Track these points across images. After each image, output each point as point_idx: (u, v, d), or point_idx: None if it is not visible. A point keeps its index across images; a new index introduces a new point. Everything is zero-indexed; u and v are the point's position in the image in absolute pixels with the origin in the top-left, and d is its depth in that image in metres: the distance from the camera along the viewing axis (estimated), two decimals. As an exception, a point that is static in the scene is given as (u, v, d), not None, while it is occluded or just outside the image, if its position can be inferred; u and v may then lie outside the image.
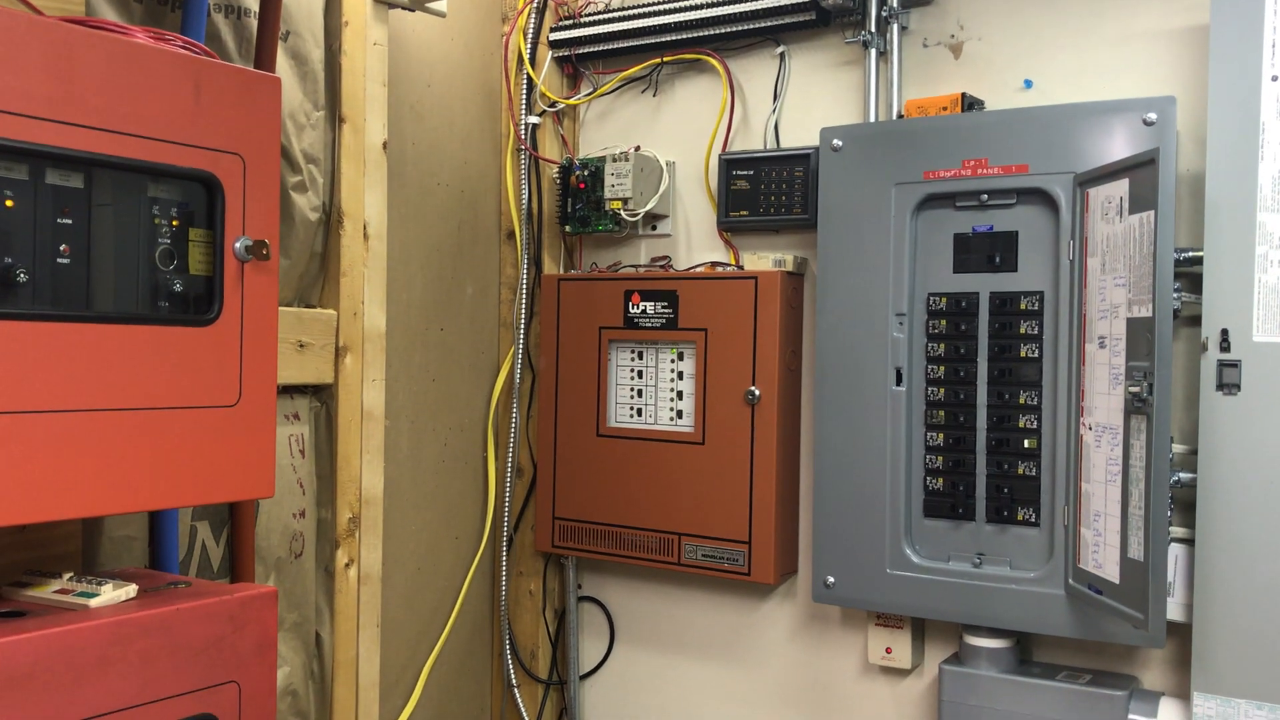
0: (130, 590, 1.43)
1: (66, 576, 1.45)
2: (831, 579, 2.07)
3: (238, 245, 1.47)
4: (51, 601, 1.40)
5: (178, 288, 1.43)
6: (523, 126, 2.47)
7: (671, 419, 2.31)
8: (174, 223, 1.44)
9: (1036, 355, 1.92)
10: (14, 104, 1.25)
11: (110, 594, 1.40)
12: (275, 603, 1.54)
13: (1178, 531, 1.82)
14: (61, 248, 1.32)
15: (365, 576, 2.08)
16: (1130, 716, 1.85)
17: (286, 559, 1.95)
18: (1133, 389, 1.63)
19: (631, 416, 2.35)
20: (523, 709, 2.48)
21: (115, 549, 1.69)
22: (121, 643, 1.35)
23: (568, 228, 2.42)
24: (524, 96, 2.46)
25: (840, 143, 2.06)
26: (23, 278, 1.27)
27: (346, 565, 2.04)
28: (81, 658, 1.30)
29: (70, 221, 1.33)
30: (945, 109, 2.00)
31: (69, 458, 1.30)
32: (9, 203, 1.27)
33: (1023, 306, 1.93)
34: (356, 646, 2.06)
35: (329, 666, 2.03)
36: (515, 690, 2.49)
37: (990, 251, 1.95)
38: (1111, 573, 1.71)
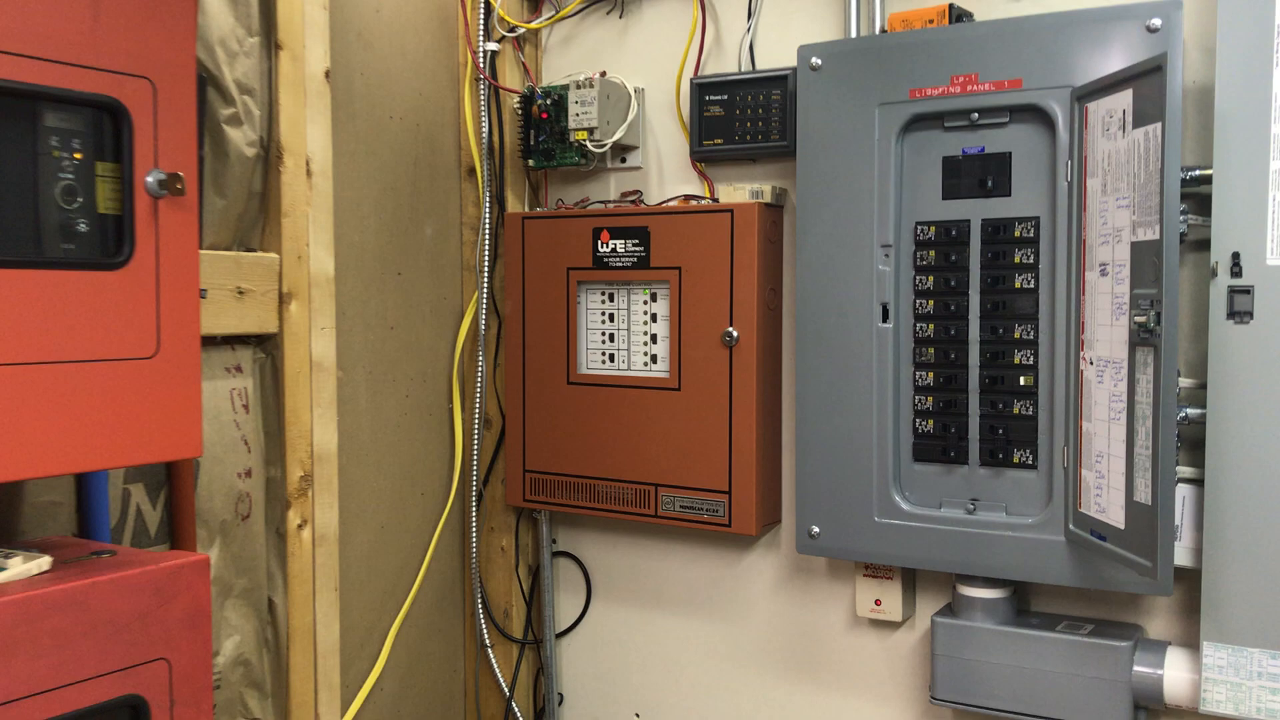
0: (44, 562, 1.30)
1: (-28, 549, 1.32)
2: (816, 529, 1.95)
3: (149, 179, 1.32)
4: (-47, 578, 1.27)
5: (83, 228, 1.29)
6: (481, 54, 2.31)
7: (645, 364, 2.17)
8: (76, 155, 1.29)
9: (1032, 286, 1.78)
10: (-126, 19, 1.10)
11: (20, 567, 1.27)
12: (207, 571, 1.41)
13: (1185, 471, 1.70)
14: (-58, 184, 1.18)
15: (320, 537, 1.95)
16: (1135, 668, 1.74)
17: (232, 521, 1.82)
18: (1138, 319, 1.50)
19: (603, 362, 2.22)
20: (497, 670, 2.37)
21: (38, 516, 1.56)
22: (31, 621, 1.22)
23: (531, 162, 2.27)
24: (481, 21, 2.30)
25: (819, 61, 1.91)
26: (-105, 217, 1.13)
27: (299, 526, 1.92)
28: (-16, 639, 1.18)
29: (-48, 154, 1.19)
30: (931, 21, 1.85)
31: (-40, 419, 1.16)
32: (-126, 132, 1.12)
33: (1017, 234, 1.79)
34: (313, 611, 1.94)
35: (284, 634, 1.91)
36: (489, 650, 2.37)
37: (982, 175, 1.81)
38: (1116, 518, 1.59)
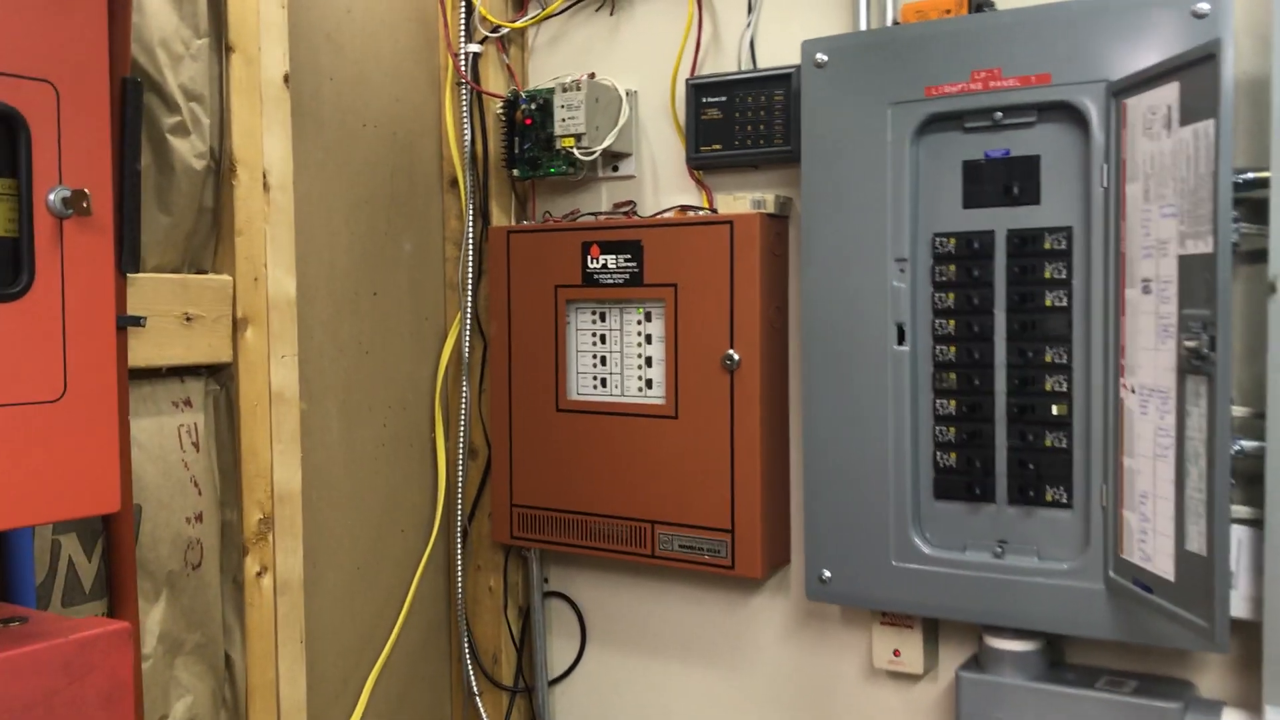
0: (-67, 637, 1.13)
1: None
2: (828, 573, 1.77)
3: (52, 197, 1.16)
4: None
5: (-28, 254, 1.13)
6: (462, 56, 2.14)
7: (640, 389, 2.00)
8: (-35, 171, 1.13)
9: (1065, 304, 1.59)
10: None
11: (-97, 644, 1.11)
12: (129, 641, 1.24)
13: (1240, 511, 1.51)
14: None
15: (283, 585, 1.78)
16: (1186, 732, 1.55)
17: (181, 571, 1.65)
18: (1189, 344, 1.31)
19: (595, 387, 2.04)
20: (486, 719, 2.19)
21: (-49, 574, 1.40)
22: (-92, 711, 1.06)
23: (516, 171, 2.10)
24: (463, 21, 2.13)
25: (825, 57, 1.73)
26: None
27: (258, 574, 1.75)
28: None
29: None
30: (949, 11, 1.66)
31: None
32: None
33: (1047, 246, 1.60)
34: (275, 666, 1.77)
35: (243, 692, 1.74)
36: (478, 699, 2.20)
37: (1007, 181, 1.63)
38: (1164, 568, 1.40)
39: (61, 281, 1.17)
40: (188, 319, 1.64)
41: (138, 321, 1.52)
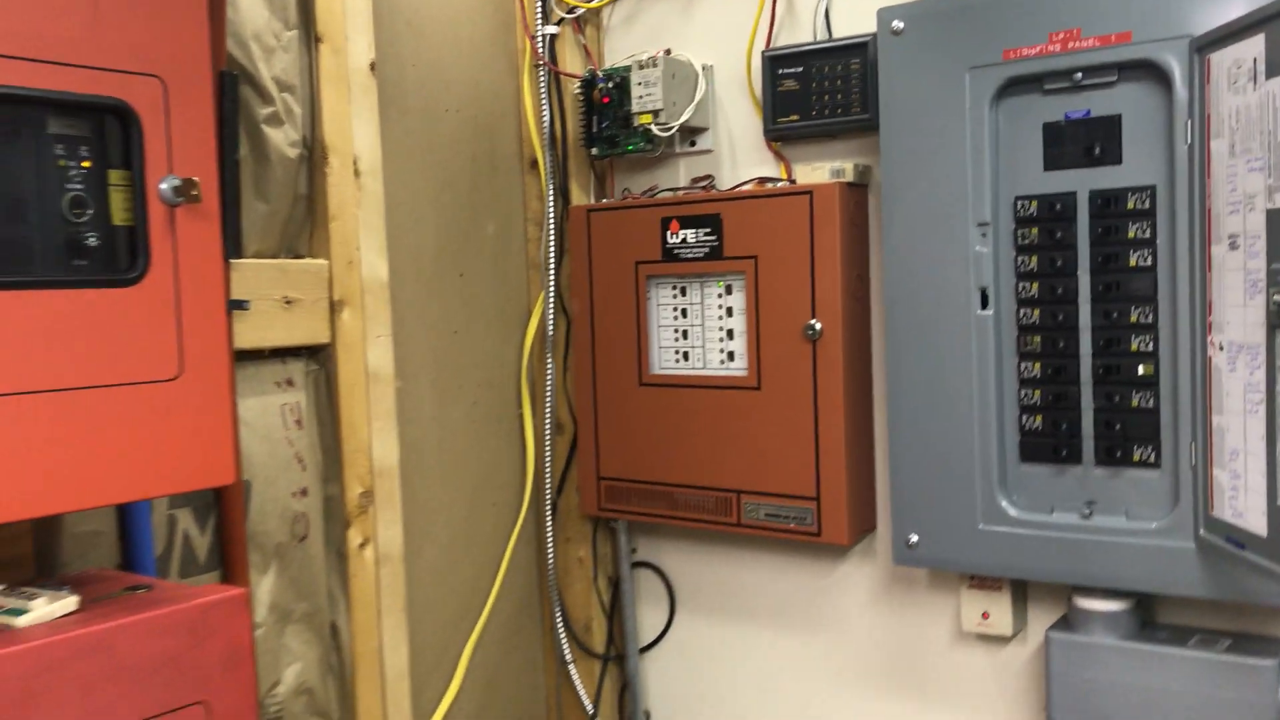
0: (69, 603, 1.21)
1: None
2: (914, 537, 1.78)
3: (163, 186, 1.22)
4: (-29, 623, 1.19)
5: (93, 242, 1.19)
6: (539, 38, 2.18)
7: (722, 362, 2.02)
8: (84, 164, 1.19)
9: (1150, 264, 1.59)
10: None
11: (43, 609, 1.19)
12: (246, 606, 1.31)
13: (1334, 467, 1.50)
14: (-61, 201, 1.08)
15: (384, 556, 1.85)
16: (1282, 689, 1.54)
17: (289, 544, 1.72)
18: (1277, 297, 1.30)
19: (677, 361, 2.07)
20: (580, 687, 2.25)
21: (79, 547, 1.48)
22: (53, 668, 1.13)
23: (594, 150, 2.13)
24: (539, 3, 2.17)
25: (901, 24, 1.74)
26: (-114, 240, 1.04)
27: (361, 546, 1.82)
28: (2, 690, 1.09)
29: (-51, 169, 1.10)
30: (1026, -27, 1.66)
31: (-35, 455, 1.07)
32: None
33: (1130, 206, 1.60)
34: (379, 634, 1.84)
35: (349, 659, 1.81)
36: (570, 667, 2.25)
37: (1088, 142, 1.63)
38: (1256, 524, 1.40)
39: (175, 266, 1.23)
40: (287, 302, 1.71)
41: (242, 305, 1.59)
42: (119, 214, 1.21)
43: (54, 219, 1.17)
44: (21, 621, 1.17)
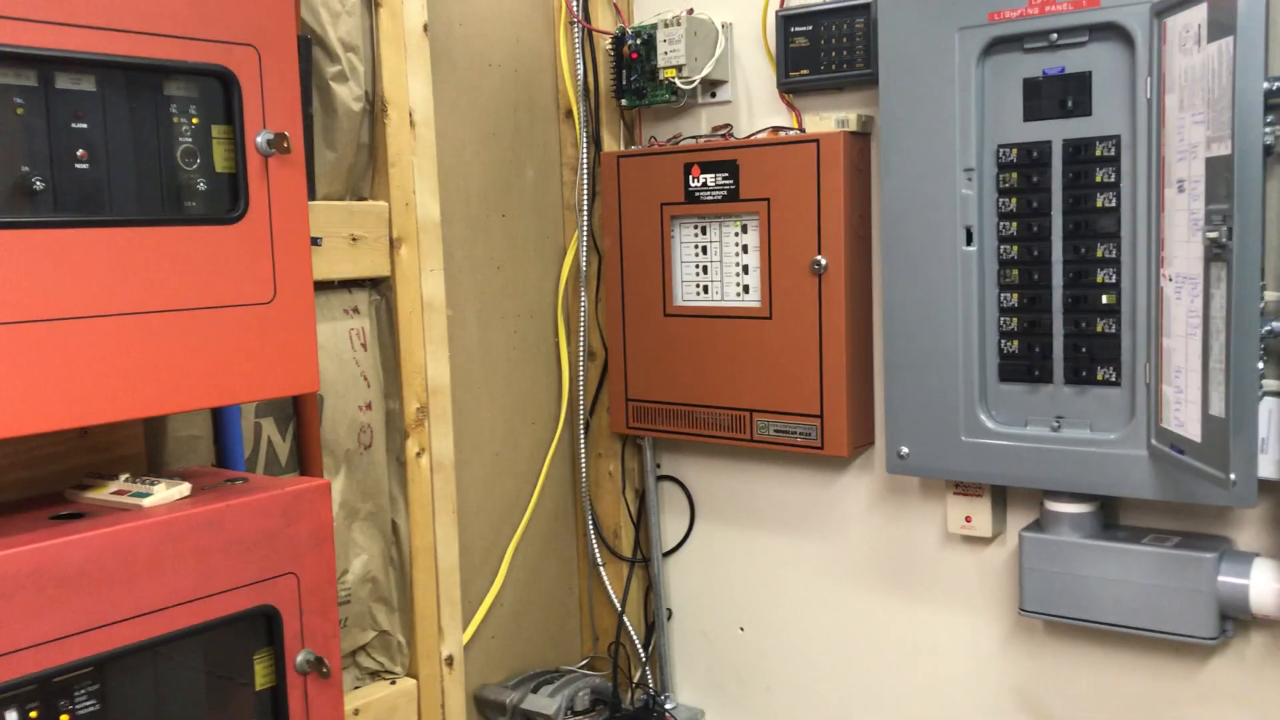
0: (184, 489, 1.46)
1: (123, 478, 1.48)
2: (905, 449, 2.01)
3: (259, 139, 1.44)
4: (108, 503, 1.44)
5: (202, 186, 1.42)
6: (574, -1, 2.39)
7: (738, 294, 2.25)
8: (194, 121, 1.42)
9: (1114, 205, 1.79)
10: (15, 8, 1.23)
11: (163, 493, 1.43)
12: (328, 495, 1.55)
13: (1272, 385, 1.71)
14: (79, 153, 1.31)
15: (438, 465, 2.09)
16: (1221, 578, 1.77)
17: (356, 451, 1.97)
18: (1210, 234, 1.51)
19: (697, 294, 2.30)
20: (609, 587, 2.51)
21: (180, 449, 1.73)
22: (174, 540, 1.38)
23: (624, 101, 2.34)
24: (573, -34, 2.37)
25: (898, -11, 1.93)
26: (39, 185, 1.27)
27: (418, 454, 2.06)
28: (134, 555, 1.34)
29: (85, 126, 1.32)
30: (1010, -57, 1.85)
31: (105, 362, 1.31)
32: (19, 110, 1.27)
33: (1098, 153, 1.80)
34: (434, 532, 2.09)
35: (407, 553, 2.07)
36: (601, 569, 2.51)
37: (1062, 96, 1.82)
38: (1193, 431, 1.62)
39: (269, 207, 1.47)
40: (353, 239, 1.94)
41: (316, 241, 1.82)
42: (222, 163, 1.44)
43: (169, 167, 1.40)
44: (147, 502, 1.42)
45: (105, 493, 1.45)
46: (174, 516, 1.39)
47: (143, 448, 1.68)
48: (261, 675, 1.50)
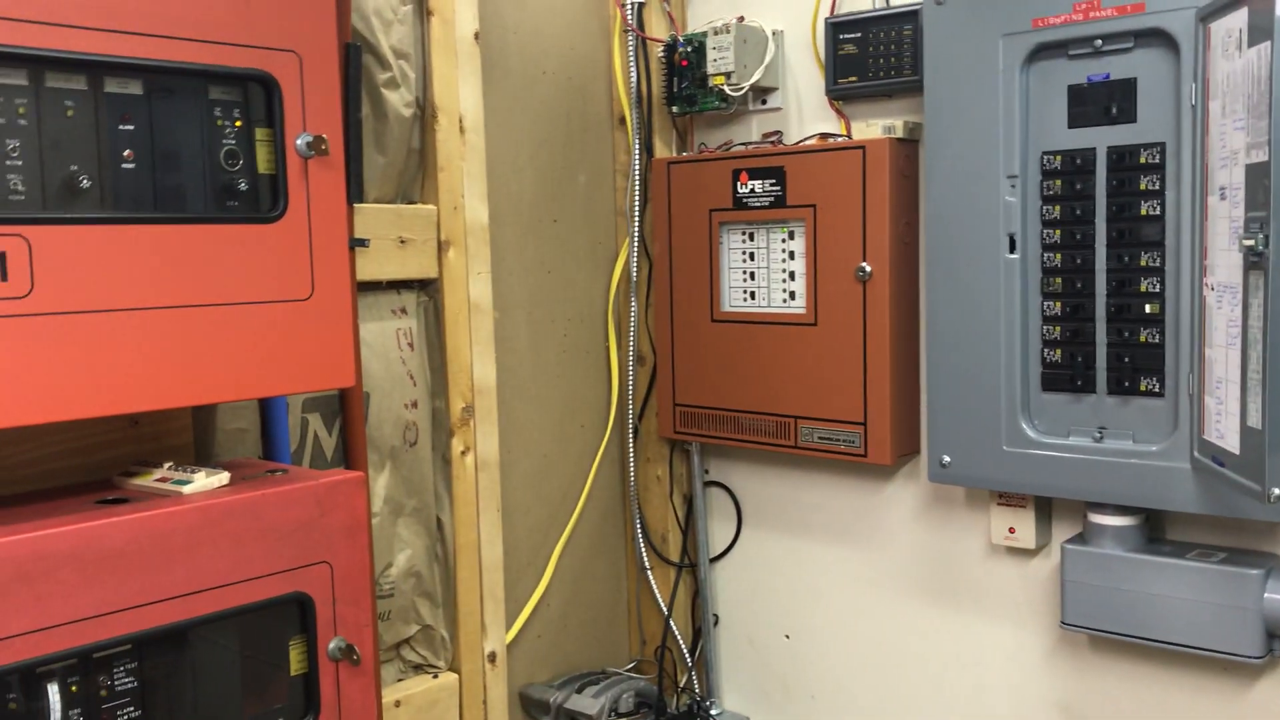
0: (223, 477, 1.51)
1: (167, 466, 1.55)
2: (947, 458, 2.00)
3: (299, 142, 1.50)
4: (151, 489, 1.50)
5: (244, 187, 1.48)
6: (628, 6, 2.41)
7: (784, 300, 2.25)
8: (236, 124, 1.48)
9: (1158, 213, 1.76)
10: (66, 17, 1.30)
11: (203, 481, 1.49)
12: (363, 487, 1.60)
13: (1321, 398, 1.66)
14: (125, 153, 1.38)
15: (482, 463, 2.13)
16: (1268, 595, 1.72)
17: (401, 447, 2.02)
18: (1247, 242, 1.48)
19: (744, 300, 2.31)
20: (656, 591, 2.52)
21: (228, 441, 1.80)
22: (210, 525, 1.43)
23: (675, 108, 2.37)
24: (628, -25, 2.41)
25: (944, -4, 1.93)
26: (86, 183, 1.33)
27: (463, 453, 2.10)
28: (171, 539, 1.39)
29: (132, 127, 1.39)
30: (1055, -52, 1.83)
31: (149, 352, 1.37)
32: (69, 112, 1.33)
33: (1143, 160, 1.77)
34: (477, 530, 2.13)
35: (451, 549, 2.11)
36: (648, 573, 2.53)
37: (1107, 102, 1.80)
38: (1233, 443, 1.58)
39: (308, 207, 1.52)
40: (402, 241, 1.99)
41: (363, 243, 1.88)
42: (263, 164, 1.49)
43: (213, 168, 1.46)
44: (186, 489, 1.47)
45: (149, 480, 1.52)
46: (211, 503, 1.44)
47: (191, 439, 1.75)
48: (295, 661, 1.55)
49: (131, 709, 1.40)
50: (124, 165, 1.38)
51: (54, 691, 1.32)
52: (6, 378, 1.26)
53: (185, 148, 1.43)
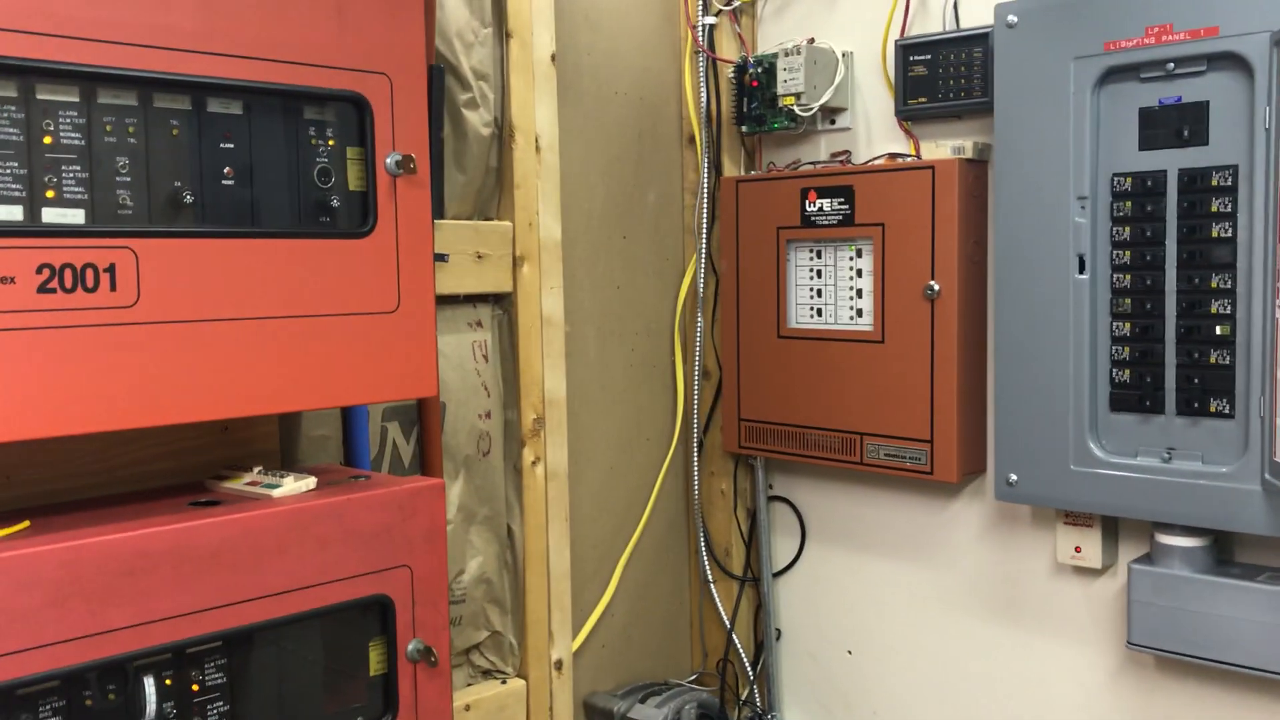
0: (310, 482, 1.57)
1: (256, 470, 1.61)
2: (1014, 477, 2.01)
3: (388, 161, 1.56)
4: (241, 492, 1.56)
5: (335, 203, 1.54)
6: (700, 28, 2.46)
7: (851, 318, 2.28)
8: (329, 143, 1.54)
9: (1230, 235, 1.77)
10: (172, 40, 1.37)
11: (291, 485, 1.55)
12: (442, 494, 1.65)
13: (1396, 422, 1.66)
14: (225, 170, 1.45)
15: (552, 474, 2.18)
16: (1339, 621, 1.72)
17: (474, 457, 2.07)
18: (1322, 265, 1.48)
19: (811, 317, 2.34)
20: (719, 604, 2.55)
21: (312, 447, 1.86)
22: (298, 528, 1.49)
23: (744, 128, 2.41)
24: (700, -3, 2.45)
25: (1015, 18, 1.95)
26: (189, 199, 1.40)
27: (533, 463, 2.15)
28: (262, 541, 1.45)
29: (232, 146, 1.45)
30: (1128, -28, 1.85)
31: (242, 361, 1.43)
32: (174, 131, 1.40)
33: (1214, 183, 1.78)
34: (546, 539, 2.17)
35: (521, 557, 2.15)
36: (711, 586, 2.56)
37: (1179, 125, 1.81)
38: (1305, 466, 1.58)
39: (395, 224, 1.58)
40: (479, 257, 2.05)
41: (443, 258, 1.93)
42: (354, 182, 1.55)
43: (306, 185, 1.52)
44: (276, 493, 1.53)
45: (239, 483, 1.58)
46: (300, 506, 1.50)
47: (277, 445, 1.81)
48: (375, 662, 1.60)
49: (221, 704, 1.45)
50: (224, 181, 1.45)
51: (150, 684, 1.38)
52: (115, 383, 1.33)
53: (281, 165, 1.50)
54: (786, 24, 2.44)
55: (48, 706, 1.31)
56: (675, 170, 2.54)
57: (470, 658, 2.12)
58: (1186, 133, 1.80)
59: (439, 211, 1.94)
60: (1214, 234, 1.78)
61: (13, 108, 1.28)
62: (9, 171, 1.27)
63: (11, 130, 1.28)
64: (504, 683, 2.14)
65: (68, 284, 1.30)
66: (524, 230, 2.11)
